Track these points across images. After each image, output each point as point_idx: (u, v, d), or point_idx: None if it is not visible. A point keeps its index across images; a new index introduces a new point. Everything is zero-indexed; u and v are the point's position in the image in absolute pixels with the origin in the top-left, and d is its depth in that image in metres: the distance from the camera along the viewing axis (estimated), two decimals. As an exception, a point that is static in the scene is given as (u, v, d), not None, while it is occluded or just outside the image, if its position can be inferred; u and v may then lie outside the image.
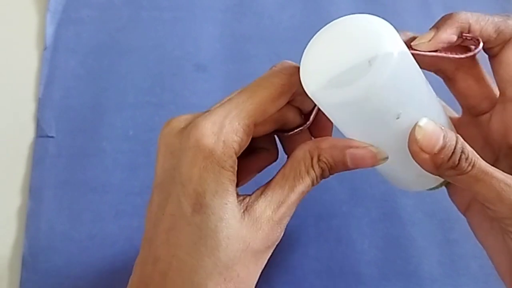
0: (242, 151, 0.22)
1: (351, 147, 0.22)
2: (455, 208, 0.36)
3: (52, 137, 0.36)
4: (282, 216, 0.22)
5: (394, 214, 0.35)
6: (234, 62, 0.39)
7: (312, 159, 0.22)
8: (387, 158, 0.22)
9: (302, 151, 0.22)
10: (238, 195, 0.21)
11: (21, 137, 0.36)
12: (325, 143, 0.22)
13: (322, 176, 0.23)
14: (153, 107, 0.37)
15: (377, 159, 0.22)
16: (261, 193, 0.22)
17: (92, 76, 0.38)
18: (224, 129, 0.21)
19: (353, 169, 0.23)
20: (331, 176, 0.24)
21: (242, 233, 0.20)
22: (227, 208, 0.20)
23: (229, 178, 0.20)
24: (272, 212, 0.21)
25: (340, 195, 0.36)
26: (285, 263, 0.34)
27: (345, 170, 0.23)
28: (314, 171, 0.22)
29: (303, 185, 0.22)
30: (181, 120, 0.23)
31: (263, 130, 0.23)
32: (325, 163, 0.22)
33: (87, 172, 0.35)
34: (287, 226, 0.35)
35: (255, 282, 0.22)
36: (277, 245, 0.34)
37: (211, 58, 0.39)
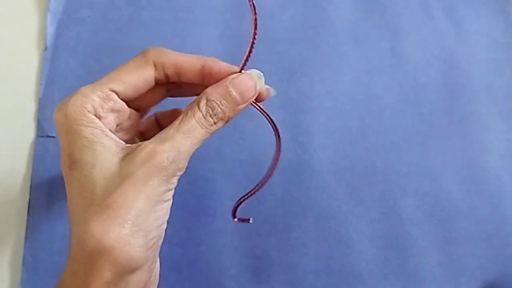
0: (102, 108, 0.24)
1: (231, 77, 0.24)
2: (455, 208, 0.36)
3: (52, 137, 0.36)
4: (164, 148, 0.22)
5: (394, 214, 0.36)
6: (234, 62, 0.39)
7: (199, 102, 0.24)
8: (263, 76, 0.25)
9: (190, 106, 0.24)
10: (119, 145, 0.23)
11: (21, 137, 0.36)
12: (211, 86, 0.25)
13: (216, 115, 0.24)
14: (153, 107, 0.37)
15: (255, 80, 0.25)
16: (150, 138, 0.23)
17: (93, 76, 0.37)
18: (74, 96, 0.24)
19: (244, 103, 0.25)
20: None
21: (119, 168, 0.22)
22: (97, 155, 0.22)
23: (91, 133, 0.23)
24: (154, 145, 0.22)
25: (340, 195, 0.36)
26: (285, 263, 0.34)
27: (238, 107, 0.25)
28: (201, 112, 0.24)
29: (188, 124, 0.23)
30: (65, 99, 0.25)
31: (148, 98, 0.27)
32: (213, 101, 0.24)
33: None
34: (286, 225, 0.35)
35: (145, 207, 0.22)
36: (276, 245, 0.34)
37: (211, 58, 0.39)
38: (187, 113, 0.24)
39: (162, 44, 0.39)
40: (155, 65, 0.26)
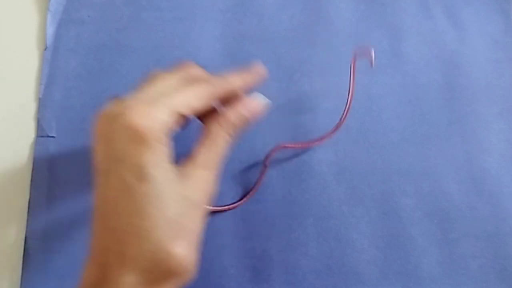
0: (172, 132, 0.25)
1: (246, 105, 0.28)
2: (455, 208, 0.36)
3: (52, 137, 0.36)
4: (214, 174, 0.26)
5: (394, 214, 0.36)
6: (234, 62, 0.39)
7: (225, 128, 0.27)
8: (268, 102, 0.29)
9: (214, 125, 0.27)
10: (173, 164, 0.25)
11: (21, 137, 0.36)
12: (230, 111, 0.28)
13: (235, 138, 0.28)
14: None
15: (264, 104, 0.29)
16: (191, 160, 0.26)
17: (93, 76, 0.38)
18: (155, 110, 0.24)
19: (252, 121, 0.29)
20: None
21: (183, 192, 0.24)
22: (166, 174, 0.24)
23: (164, 151, 0.24)
24: (207, 173, 0.26)
25: (340, 194, 0.36)
26: (285, 263, 0.34)
27: (247, 123, 0.28)
28: (229, 135, 0.27)
29: (223, 148, 0.27)
30: (111, 107, 0.25)
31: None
32: (234, 126, 0.27)
33: (88, 172, 0.35)
34: (286, 225, 0.35)
35: (202, 230, 0.26)
36: (276, 245, 0.34)
37: (211, 58, 0.39)
38: (217, 137, 0.27)
39: (162, 44, 0.39)
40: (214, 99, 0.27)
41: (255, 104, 0.29)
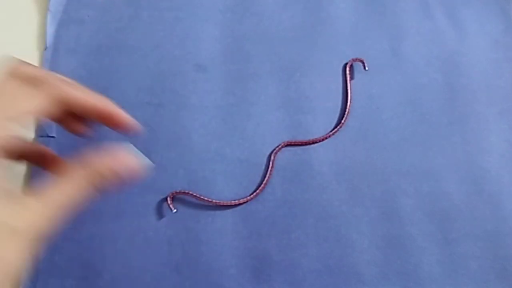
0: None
1: (115, 154, 0.25)
2: (455, 208, 0.36)
3: (53, 137, 0.36)
4: (50, 209, 0.23)
5: (394, 214, 0.36)
6: (234, 62, 0.39)
7: (82, 170, 0.24)
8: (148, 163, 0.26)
9: (77, 167, 0.24)
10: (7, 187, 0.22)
11: (21, 137, 0.36)
12: (99, 160, 0.24)
13: (93, 185, 0.24)
14: (153, 107, 0.37)
15: (133, 158, 0.25)
16: (35, 190, 0.23)
17: (93, 76, 0.38)
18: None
19: (123, 180, 0.25)
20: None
21: (3, 216, 0.21)
22: None
23: None
24: (39, 203, 0.22)
25: (340, 195, 0.36)
26: (285, 263, 0.34)
27: (117, 181, 0.25)
28: (86, 181, 0.24)
29: (72, 189, 0.24)
30: None
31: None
32: (97, 173, 0.24)
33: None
34: (286, 225, 0.35)
35: (17, 261, 0.22)
36: (276, 245, 0.34)
37: (211, 58, 0.39)
38: (71, 175, 0.24)
39: (162, 44, 0.40)
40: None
41: (132, 162, 0.25)
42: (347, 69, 0.37)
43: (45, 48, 0.38)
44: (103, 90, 0.37)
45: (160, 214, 0.34)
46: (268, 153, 0.36)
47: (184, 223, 0.34)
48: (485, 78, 0.40)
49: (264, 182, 0.35)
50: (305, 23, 0.41)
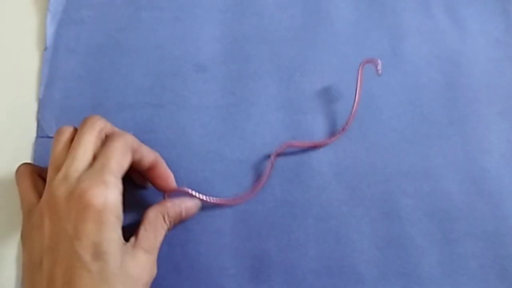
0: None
1: (183, 202, 0.32)
2: (455, 208, 0.36)
3: (52, 137, 0.36)
4: (155, 257, 0.29)
5: (394, 214, 0.36)
6: (234, 62, 0.39)
7: (163, 217, 0.30)
8: (201, 205, 0.33)
9: (154, 212, 0.30)
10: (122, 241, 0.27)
11: (21, 137, 0.36)
12: (168, 202, 0.31)
13: (170, 229, 0.31)
14: (153, 107, 0.37)
15: (198, 206, 0.33)
16: (136, 241, 0.28)
17: (93, 76, 0.38)
18: (108, 186, 0.25)
19: (186, 218, 0.32)
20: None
21: (129, 270, 0.26)
22: (119, 252, 0.25)
23: (119, 226, 0.26)
24: (149, 255, 0.28)
25: (339, 195, 0.36)
26: (284, 263, 0.34)
27: (181, 218, 0.32)
28: (167, 224, 0.30)
29: (162, 235, 0.30)
30: (58, 187, 0.26)
31: None
32: (172, 217, 0.30)
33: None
34: (286, 226, 0.35)
35: None
36: (276, 245, 0.35)
37: (211, 58, 0.39)
38: (156, 223, 0.29)
39: (162, 44, 0.40)
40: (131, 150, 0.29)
41: (191, 203, 0.32)
42: (360, 70, 0.36)
43: (45, 48, 0.38)
44: (103, 90, 0.38)
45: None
46: (268, 153, 0.36)
47: (184, 223, 0.34)
48: (485, 77, 0.40)
49: (263, 181, 0.35)
50: (305, 23, 0.41)
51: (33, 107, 0.37)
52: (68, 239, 0.24)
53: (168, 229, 0.30)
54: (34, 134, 0.36)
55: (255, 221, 0.35)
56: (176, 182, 0.33)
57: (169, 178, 0.32)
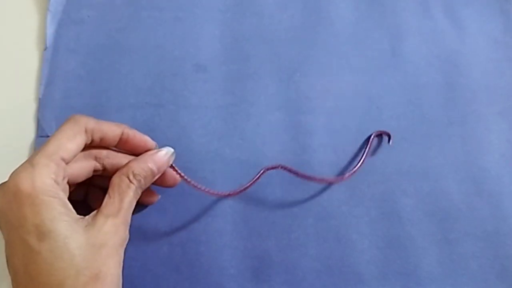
0: (65, 179, 0.27)
1: (151, 156, 0.30)
2: (455, 208, 0.36)
3: (52, 137, 0.36)
4: (121, 220, 0.27)
5: (394, 214, 0.36)
6: (234, 62, 0.39)
7: (128, 177, 0.28)
8: (174, 152, 0.31)
9: (117, 176, 0.28)
10: (77, 216, 0.26)
11: (21, 137, 0.36)
12: (133, 161, 0.29)
13: (141, 186, 0.29)
14: (153, 107, 0.37)
15: (169, 155, 0.31)
16: (97, 212, 0.27)
17: (93, 76, 0.38)
18: (35, 168, 0.25)
19: (160, 172, 0.30)
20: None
21: (89, 240, 0.25)
22: (68, 226, 0.24)
23: (59, 204, 0.25)
24: (112, 220, 0.26)
25: (339, 195, 0.36)
26: (285, 263, 0.34)
27: (155, 178, 0.30)
28: (134, 183, 0.28)
29: (129, 195, 0.28)
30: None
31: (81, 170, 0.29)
32: (139, 175, 0.28)
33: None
34: (286, 226, 0.35)
35: (120, 272, 0.27)
36: (276, 245, 0.34)
37: (211, 58, 0.39)
38: (120, 186, 0.28)
39: (162, 44, 0.40)
40: (86, 131, 0.28)
41: (161, 153, 0.30)
42: (370, 141, 0.36)
43: (45, 48, 0.38)
44: (103, 90, 0.38)
45: (160, 214, 0.34)
46: (268, 152, 0.36)
47: (184, 223, 0.34)
48: (485, 78, 0.40)
49: (249, 185, 0.33)
50: (305, 23, 0.41)
51: (33, 107, 0.37)
52: (15, 229, 0.24)
53: (141, 187, 0.29)
54: (34, 134, 0.36)
55: (255, 221, 0.35)
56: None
57: (147, 142, 0.31)
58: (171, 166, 0.31)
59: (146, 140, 0.31)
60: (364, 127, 0.38)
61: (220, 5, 0.41)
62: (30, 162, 0.25)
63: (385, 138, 0.38)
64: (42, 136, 0.36)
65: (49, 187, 0.25)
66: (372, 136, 0.37)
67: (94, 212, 0.27)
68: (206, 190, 0.32)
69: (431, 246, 0.35)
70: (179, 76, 0.38)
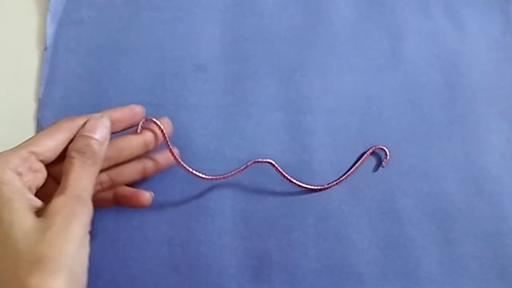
0: (22, 167, 0.26)
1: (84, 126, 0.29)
2: (455, 208, 0.36)
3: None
4: (69, 196, 0.25)
5: (394, 214, 0.36)
6: (234, 62, 0.39)
7: (70, 154, 0.27)
8: (103, 115, 0.30)
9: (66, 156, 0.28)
10: (33, 204, 0.25)
11: (21, 137, 0.36)
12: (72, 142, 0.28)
13: (89, 157, 0.28)
14: (153, 107, 0.37)
15: (98, 120, 0.29)
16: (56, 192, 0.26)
17: (93, 76, 0.38)
18: None
19: (102, 137, 0.29)
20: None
21: (38, 224, 0.23)
22: (14, 212, 0.23)
23: (9, 190, 0.24)
24: (59, 197, 0.25)
25: (340, 194, 0.36)
26: (285, 263, 0.34)
27: (103, 145, 0.29)
28: (75, 158, 0.27)
29: (73, 172, 0.27)
30: None
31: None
32: (78, 149, 0.28)
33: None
34: (286, 225, 0.35)
35: (73, 254, 0.23)
36: (276, 245, 0.34)
37: (211, 58, 0.39)
38: (65, 166, 0.27)
39: (162, 44, 0.40)
40: (68, 129, 0.28)
41: (90, 122, 0.29)
42: (365, 155, 0.36)
43: (45, 48, 0.38)
44: (103, 90, 0.38)
45: (160, 214, 0.34)
46: (268, 153, 0.36)
47: (184, 223, 0.34)
48: (485, 78, 0.40)
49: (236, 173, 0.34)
50: (305, 23, 0.41)
51: (33, 107, 0.37)
52: None
53: (89, 158, 0.28)
54: (34, 134, 0.36)
55: (256, 221, 0.35)
56: (176, 181, 0.33)
57: (124, 110, 0.31)
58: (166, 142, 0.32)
59: (122, 109, 0.31)
60: (364, 127, 0.38)
61: (220, 5, 0.41)
62: None
63: (381, 133, 0.38)
64: (42, 136, 0.36)
65: (5, 176, 0.24)
66: (367, 153, 0.37)
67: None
68: (190, 170, 0.32)
69: (431, 246, 0.35)
70: (179, 76, 0.38)
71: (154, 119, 0.32)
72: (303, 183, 0.35)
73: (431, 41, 0.41)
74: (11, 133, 0.36)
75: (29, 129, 0.36)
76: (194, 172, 0.32)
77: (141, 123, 0.32)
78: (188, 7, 0.41)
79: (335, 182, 0.35)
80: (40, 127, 0.36)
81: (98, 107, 0.37)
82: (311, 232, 0.35)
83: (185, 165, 0.32)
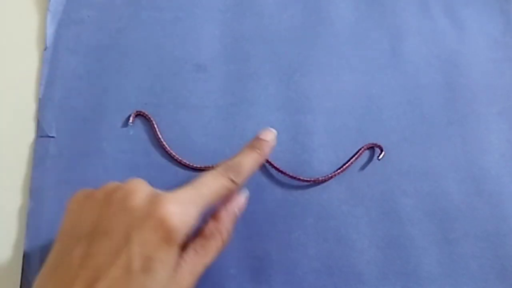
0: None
1: (232, 204, 0.30)
2: (455, 208, 0.36)
3: (52, 137, 0.36)
4: (194, 273, 0.27)
5: (394, 214, 0.36)
6: (234, 62, 0.39)
7: (215, 228, 0.28)
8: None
9: (209, 227, 0.28)
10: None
11: (21, 137, 0.36)
12: (222, 213, 0.29)
13: (227, 237, 0.29)
14: (153, 107, 0.37)
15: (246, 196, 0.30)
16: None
17: (93, 76, 0.38)
18: (186, 211, 0.25)
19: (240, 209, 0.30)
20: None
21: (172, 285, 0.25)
22: (168, 272, 0.24)
23: (176, 252, 0.25)
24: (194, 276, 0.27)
25: (340, 194, 0.36)
26: (285, 263, 0.34)
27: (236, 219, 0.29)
28: (220, 236, 0.28)
29: (214, 251, 0.28)
30: (143, 192, 0.26)
31: None
32: (226, 231, 0.29)
33: (87, 172, 0.35)
34: (286, 225, 0.35)
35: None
36: (276, 245, 0.34)
37: (211, 58, 0.39)
38: (211, 239, 0.28)
39: (162, 44, 0.40)
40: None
41: (242, 199, 0.30)
42: (360, 151, 0.37)
43: (45, 48, 0.38)
44: (103, 90, 0.38)
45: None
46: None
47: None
48: (485, 78, 0.40)
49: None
50: (305, 23, 0.41)
51: (33, 107, 0.37)
52: (130, 244, 0.24)
53: (226, 240, 0.29)
54: (34, 134, 0.36)
55: (256, 221, 0.35)
56: (176, 181, 0.33)
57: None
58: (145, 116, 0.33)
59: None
60: (364, 127, 0.38)
61: (220, 5, 0.41)
62: (184, 201, 0.25)
63: (381, 133, 0.38)
64: (42, 136, 0.36)
65: (183, 236, 0.25)
66: (362, 149, 0.37)
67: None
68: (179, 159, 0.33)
69: (431, 246, 0.35)
70: (179, 76, 0.38)
71: (146, 114, 0.31)
72: (299, 176, 0.35)
73: (431, 41, 0.41)
74: (11, 133, 0.36)
75: (29, 129, 0.36)
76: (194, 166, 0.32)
77: (133, 114, 0.32)
78: (188, 7, 0.41)
79: (330, 175, 0.35)
80: (40, 127, 0.36)
81: (99, 107, 0.37)
82: (311, 232, 0.35)
83: (183, 160, 0.32)
